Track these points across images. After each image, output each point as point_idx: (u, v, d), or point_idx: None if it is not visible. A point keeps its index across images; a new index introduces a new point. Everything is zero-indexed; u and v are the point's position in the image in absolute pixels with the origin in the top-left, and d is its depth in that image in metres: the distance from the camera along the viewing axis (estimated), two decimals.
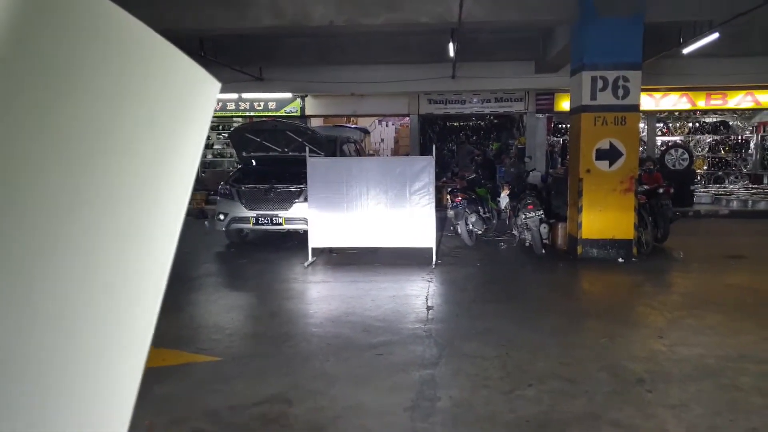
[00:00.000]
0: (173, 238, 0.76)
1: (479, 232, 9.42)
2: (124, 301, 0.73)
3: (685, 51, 10.54)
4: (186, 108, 0.77)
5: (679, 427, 3.24)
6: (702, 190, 15.39)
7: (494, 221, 10.37)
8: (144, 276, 0.75)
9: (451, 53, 10.64)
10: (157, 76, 0.77)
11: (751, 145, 17.08)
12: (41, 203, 0.67)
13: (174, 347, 4.70)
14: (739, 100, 14.36)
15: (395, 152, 17.14)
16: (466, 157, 15.49)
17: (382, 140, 17.87)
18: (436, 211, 7.99)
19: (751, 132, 17.07)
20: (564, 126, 15.88)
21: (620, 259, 8.04)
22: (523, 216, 8.55)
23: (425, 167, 7.82)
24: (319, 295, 6.71)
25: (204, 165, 16.30)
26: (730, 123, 16.76)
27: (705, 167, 16.84)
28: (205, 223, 11.93)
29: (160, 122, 0.77)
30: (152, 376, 4.09)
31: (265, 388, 3.88)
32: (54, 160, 0.69)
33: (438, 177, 9.54)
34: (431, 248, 7.90)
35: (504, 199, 10.01)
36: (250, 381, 4.01)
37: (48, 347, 0.67)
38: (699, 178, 16.16)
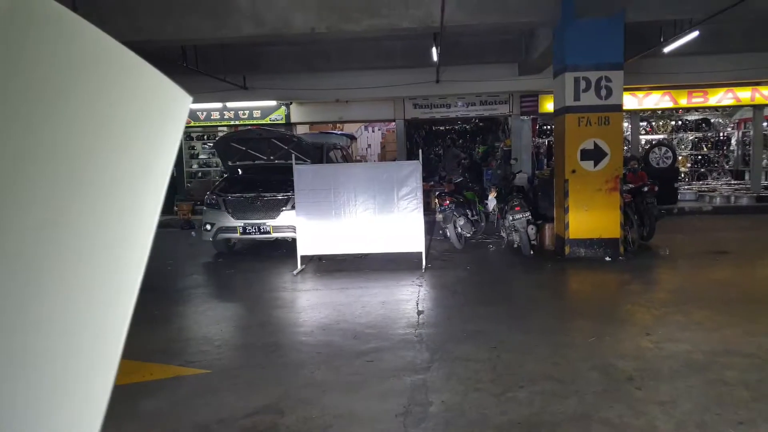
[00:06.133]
0: (145, 252, 0.77)
1: (468, 235, 9.45)
2: (95, 314, 0.73)
3: (666, 50, 10.66)
4: (157, 123, 0.77)
5: (668, 424, 3.26)
6: (686, 187, 15.57)
7: (482, 224, 10.41)
8: (114, 292, 0.75)
9: (435, 57, 10.67)
10: (127, 91, 0.77)
11: (733, 141, 17.30)
12: (13, 220, 0.68)
13: (161, 361, 4.65)
14: (720, 97, 14.55)
15: (382, 157, 17.15)
16: (452, 161, 15.55)
17: (369, 146, 17.89)
18: (425, 215, 8.00)
19: (732, 129, 17.30)
20: (549, 127, 15.96)
21: (607, 258, 8.10)
22: (511, 218, 8.59)
23: (412, 172, 7.84)
24: (309, 304, 6.68)
25: (190, 175, 16.17)
26: (712, 120, 16.96)
27: (688, 165, 17.01)
28: (192, 233, 11.84)
29: (130, 138, 0.77)
30: (139, 390, 4.04)
31: (255, 399, 3.84)
32: (22, 176, 0.70)
33: (425, 181, 9.55)
34: (421, 252, 7.90)
35: (491, 202, 10.05)
36: (240, 392, 3.98)
37: (18, 359, 0.69)
38: (683, 175, 16.34)
